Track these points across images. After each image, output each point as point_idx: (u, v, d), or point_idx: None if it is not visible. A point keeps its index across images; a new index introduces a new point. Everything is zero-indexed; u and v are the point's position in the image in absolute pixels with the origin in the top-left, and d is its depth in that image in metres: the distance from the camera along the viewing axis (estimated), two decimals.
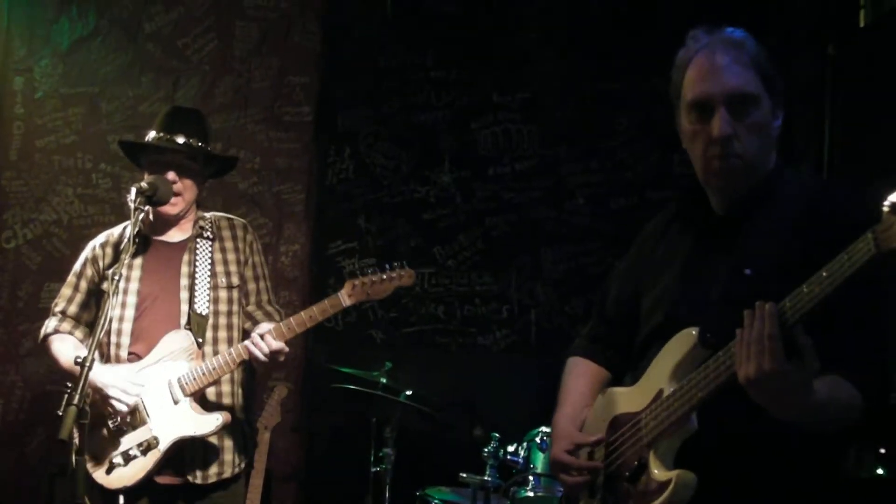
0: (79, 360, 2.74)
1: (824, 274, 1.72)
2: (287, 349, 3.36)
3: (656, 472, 2.04)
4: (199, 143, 3.50)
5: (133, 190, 3.22)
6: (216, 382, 3.41)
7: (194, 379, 3.33)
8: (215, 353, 3.42)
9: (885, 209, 1.60)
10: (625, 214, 5.38)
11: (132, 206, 3.17)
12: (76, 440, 2.80)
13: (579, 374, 2.53)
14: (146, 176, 3.45)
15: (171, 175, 3.43)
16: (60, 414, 2.63)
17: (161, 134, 3.47)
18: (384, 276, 3.41)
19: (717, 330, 1.98)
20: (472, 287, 5.58)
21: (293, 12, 5.69)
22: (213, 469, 3.42)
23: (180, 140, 3.45)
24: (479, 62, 5.61)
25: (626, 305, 2.42)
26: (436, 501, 4.31)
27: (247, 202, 5.60)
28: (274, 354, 3.32)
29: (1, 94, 5.80)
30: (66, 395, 2.65)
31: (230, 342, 3.48)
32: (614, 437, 2.23)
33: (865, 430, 2.00)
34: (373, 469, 4.66)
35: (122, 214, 3.16)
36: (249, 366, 3.47)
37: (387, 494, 4.47)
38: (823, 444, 2.02)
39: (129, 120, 5.63)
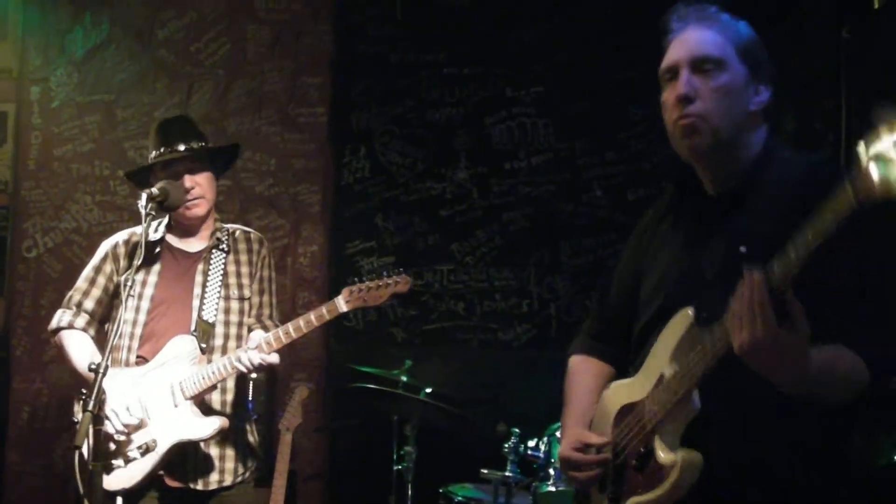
0: (93, 366, 2.75)
1: (809, 235, 1.70)
2: (276, 361, 3.38)
3: (662, 455, 2.02)
4: (201, 144, 3.57)
5: (143, 196, 3.22)
6: (216, 388, 3.44)
7: (195, 383, 3.36)
8: None
9: (864, 157, 1.56)
10: (643, 205, 5.29)
11: (143, 212, 3.18)
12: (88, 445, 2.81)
13: (583, 372, 2.52)
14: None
15: (186, 182, 3.47)
16: (75, 421, 2.65)
17: (162, 150, 3.52)
18: (380, 283, 3.46)
19: (713, 308, 1.95)
20: (491, 282, 5.57)
21: (305, 14, 5.69)
22: (214, 476, 3.45)
23: (181, 147, 3.51)
24: (491, 57, 5.60)
25: (628, 297, 2.41)
26: (459, 498, 4.31)
27: (263, 204, 5.62)
28: (260, 368, 3.36)
29: (18, 104, 5.85)
30: (81, 402, 2.66)
31: None
32: (619, 428, 2.22)
33: (874, 407, 1.98)
34: (395, 467, 4.66)
35: (141, 221, 3.20)
36: (271, 370, 3.49)
37: (409, 492, 4.47)
38: (830, 421, 2.00)
39: (145, 126, 5.64)
